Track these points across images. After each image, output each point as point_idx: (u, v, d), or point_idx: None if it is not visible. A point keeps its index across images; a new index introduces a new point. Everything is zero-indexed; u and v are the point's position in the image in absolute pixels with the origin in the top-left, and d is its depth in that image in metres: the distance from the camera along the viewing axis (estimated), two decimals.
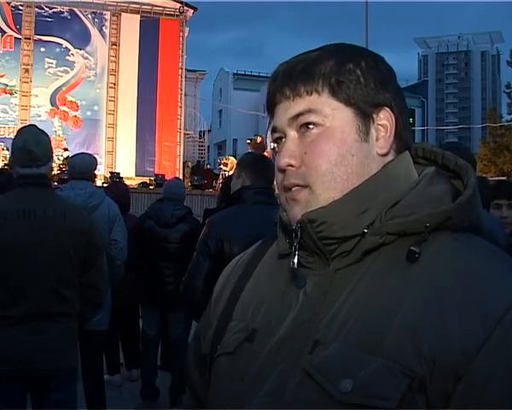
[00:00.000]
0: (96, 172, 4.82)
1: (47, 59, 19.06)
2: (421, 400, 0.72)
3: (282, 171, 0.88)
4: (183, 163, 19.96)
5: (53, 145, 2.97)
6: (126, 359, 5.79)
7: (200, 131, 26.28)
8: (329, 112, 0.86)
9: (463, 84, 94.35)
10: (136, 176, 19.01)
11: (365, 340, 0.76)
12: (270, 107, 0.92)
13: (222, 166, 16.32)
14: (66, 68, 19.24)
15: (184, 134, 21.21)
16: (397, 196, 0.84)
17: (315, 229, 0.84)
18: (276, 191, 1.13)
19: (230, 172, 11.85)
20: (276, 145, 0.92)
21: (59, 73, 19.19)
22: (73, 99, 19.27)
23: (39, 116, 18.51)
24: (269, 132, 0.95)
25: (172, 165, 19.92)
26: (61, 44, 19.20)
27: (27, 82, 18.72)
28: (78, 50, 19.35)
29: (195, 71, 27.97)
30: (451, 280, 0.76)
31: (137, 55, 19.70)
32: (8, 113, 18.67)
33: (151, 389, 5.03)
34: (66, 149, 16.67)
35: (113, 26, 19.71)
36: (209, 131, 36.72)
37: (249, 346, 0.88)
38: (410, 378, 0.72)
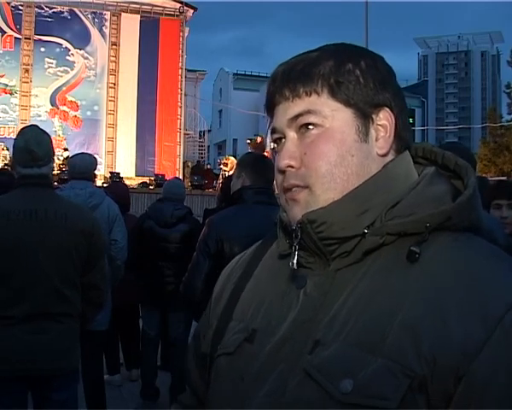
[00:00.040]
0: (96, 172, 4.82)
1: (47, 59, 19.07)
2: (421, 400, 0.72)
3: (282, 172, 0.88)
4: (183, 163, 19.96)
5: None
6: (126, 359, 5.79)
7: (200, 131, 26.29)
8: (329, 113, 0.85)
9: (463, 84, 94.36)
10: (136, 176, 19.02)
11: (365, 340, 0.76)
12: (270, 107, 0.91)
13: (222, 166, 16.33)
14: (66, 68, 19.24)
15: (184, 134, 21.22)
16: (397, 196, 0.84)
17: (315, 229, 0.84)
18: (276, 191, 1.13)
19: (230, 172, 11.85)
20: (275, 146, 0.92)
21: (59, 73, 19.20)
22: (73, 99, 19.28)
23: (39, 116, 18.52)
24: (269, 132, 0.95)
25: (172, 165, 19.92)
26: (61, 44, 19.21)
27: (27, 82, 18.73)
28: (78, 50, 19.36)
29: (195, 71, 27.98)
30: (452, 280, 0.76)
31: (137, 55, 19.70)
32: (8, 113, 18.68)
33: (151, 389, 5.03)
34: (66, 149, 16.67)
35: (113, 26, 19.72)
36: (209, 131, 36.72)
37: (249, 346, 0.88)
38: (410, 378, 0.72)
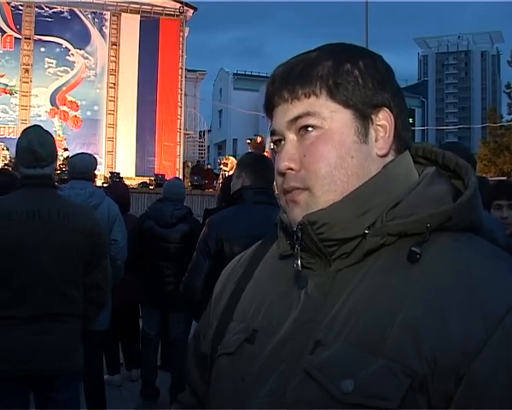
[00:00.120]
0: (96, 172, 4.82)
1: (47, 59, 19.08)
2: (422, 400, 0.72)
3: (282, 174, 0.88)
4: (183, 163, 19.97)
5: None
6: (126, 359, 5.79)
7: (200, 131, 26.29)
8: (328, 114, 0.85)
9: (463, 84, 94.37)
10: (136, 176, 19.03)
11: (366, 340, 0.76)
12: (269, 109, 0.91)
13: (222, 166, 16.34)
14: (66, 68, 19.25)
15: (184, 134, 21.22)
16: (397, 196, 0.84)
17: (316, 231, 0.84)
18: (276, 192, 1.13)
19: (230, 172, 11.85)
20: (275, 147, 0.92)
21: (59, 73, 19.21)
22: (73, 99, 19.29)
23: (39, 116, 18.52)
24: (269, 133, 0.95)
25: (172, 165, 19.93)
26: (61, 44, 19.22)
27: (27, 82, 18.74)
28: (78, 50, 19.37)
29: (195, 71, 27.98)
30: (452, 280, 0.76)
31: (137, 55, 19.71)
32: (8, 113, 18.68)
33: (151, 389, 5.03)
34: (66, 149, 16.66)
35: (113, 26, 19.73)
36: (209, 131, 36.73)
37: (250, 346, 0.88)
38: (410, 378, 0.72)
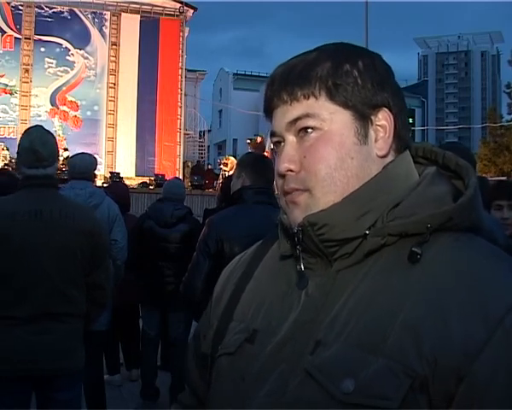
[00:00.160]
0: (96, 172, 4.81)
1: (47, 59, 19.08)
2: (422, 400, 0.72)
3: (282, 176, 0.88)
4: (183, 163, 19.98)
5: None
6: (126, 359, 5.79)
7: (200, 131, 26.30)
8: (327, 116, 0.85)
9: (463, 84, 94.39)
10: (136, 176, 19.03)
11: (367, 340, 0.76)
12: (268, 111, 0.91)
13: (222, 166, 16.35)
14: (66, 68, 19.26)
15: (184, 134, 21.23)
16: (398, 196, 0.84)
17: (316, 232, 0.84)
18: (276, 192, 1.13)
19: (230, 172, 11.86)
20: (275, 148, 0.92)
21: (59, 73, 19.22)
22: (73, 99, 19.29)
23: (39, 116, 18.53)
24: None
25: (172, 165, 19.93)
26: (61, 44, 19.22)
27: (27, 82, 18.74)
28: (78, 50, 19.37)
29: (195, 71, 27.98)
30: (453, 281, 0.76)
31: (137, 55, 19.71)
32: (8, 113, 18.69)
33: (151, 389, 5.03)
34: (66, 149, 16.65)
35: (113, 26, 19.73)
36: (209, 131, 36.73)
37: (250, 346, 0.88)
38: (411, 378, 0.72)
